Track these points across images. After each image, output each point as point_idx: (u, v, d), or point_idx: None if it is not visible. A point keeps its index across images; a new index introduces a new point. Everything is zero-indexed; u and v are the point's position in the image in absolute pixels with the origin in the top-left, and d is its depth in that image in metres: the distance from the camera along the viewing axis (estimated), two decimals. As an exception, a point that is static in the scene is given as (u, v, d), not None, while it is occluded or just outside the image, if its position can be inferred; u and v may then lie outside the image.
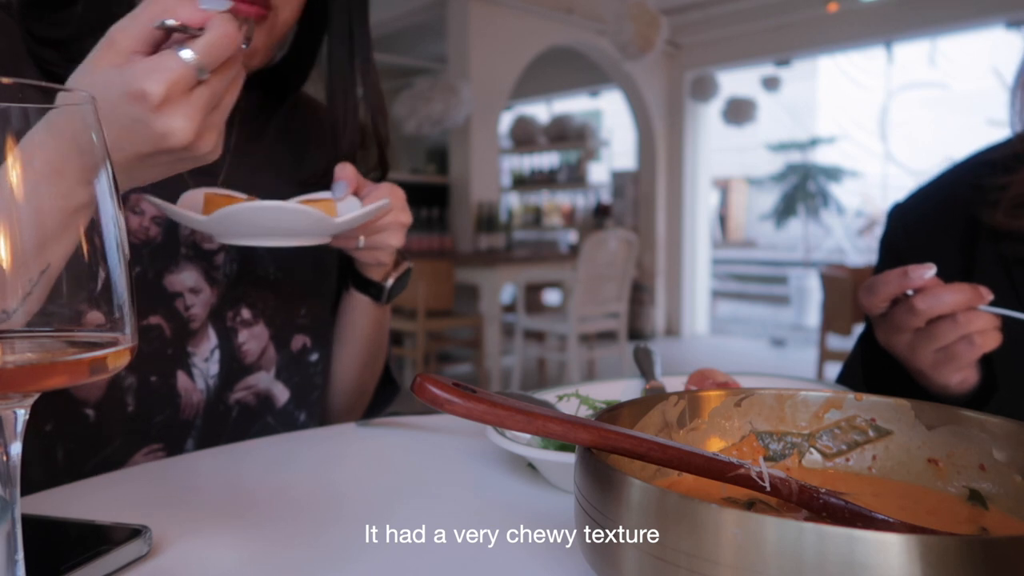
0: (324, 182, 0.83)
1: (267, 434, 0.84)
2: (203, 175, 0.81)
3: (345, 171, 0.79)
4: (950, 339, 0.70)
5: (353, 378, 0.96)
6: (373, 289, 0.89)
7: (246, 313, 0.85)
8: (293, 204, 0.70)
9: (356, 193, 0.80)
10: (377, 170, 0.92)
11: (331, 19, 0.84)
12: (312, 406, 0.91)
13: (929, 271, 0.69)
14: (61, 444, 0.73)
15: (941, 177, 0.94)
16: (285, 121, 0.92)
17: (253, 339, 0.84)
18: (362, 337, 0.93)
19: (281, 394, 0.87)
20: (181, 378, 0.79)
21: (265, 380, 0.86)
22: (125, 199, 0.75)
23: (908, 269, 0.69)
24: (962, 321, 0.69)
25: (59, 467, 0.72)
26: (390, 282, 0.89)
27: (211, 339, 0.81)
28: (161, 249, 0.79)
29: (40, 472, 0.70)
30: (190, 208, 0.71)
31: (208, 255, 0.82)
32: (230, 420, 0.83)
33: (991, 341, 0.70)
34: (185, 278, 0.80)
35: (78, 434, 0.74)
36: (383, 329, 0.96)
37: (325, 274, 0.94)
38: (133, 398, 0.76)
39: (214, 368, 0.81)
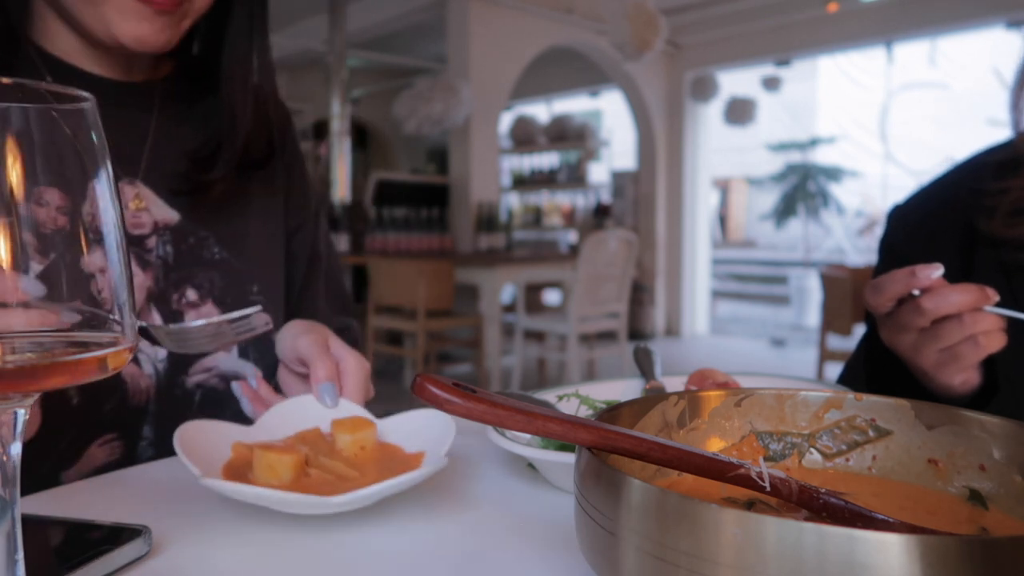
0: (212, 163, 0.84)
1: (242, 417, 0.83)
2: (126, 163, 0.81)
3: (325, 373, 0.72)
4: (955, 339, 0.70)
5: None
6: None
7: (192, 295, 0.84)
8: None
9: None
10: (264, 154, 0.91)
11: (232, 3, 0.85)
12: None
13: (936, 271, 0.69)
14: None
15: (941, 179, 0.94)
16: (206, 108, 0.91)
17: (203, 319, 0.82)
18: None
19: (251, 374, 0.86)
20: (127, 365, 0.78)
21: (228, 362, 0.85)
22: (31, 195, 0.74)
23: (916, 269, 0.69)
24: (968, 322, 0.69)
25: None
26: None
27: (156, 323, 0.80)
28: (72, 236, 0.77)
29: None
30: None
31: (138, 239, 0.81)
32: (193, 404, 0.82)
33: (996, 342, 0.70)
34: (60, 280, 0.78)
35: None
36: None
37: (275, 248, 0.93)
38: (75, 390, 0.74)
39: (162, 352, 0.80)
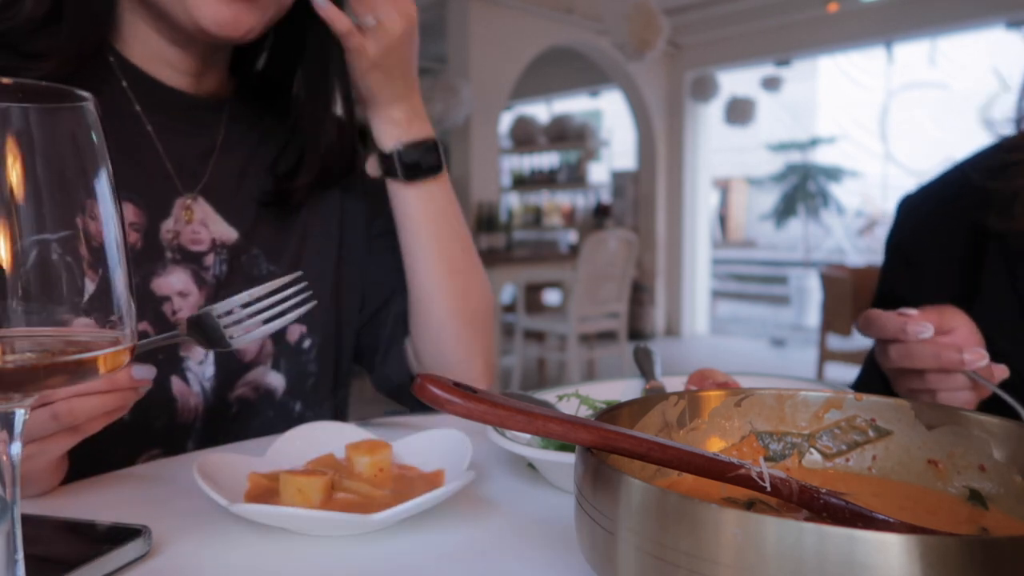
0: (293, 177, 0.84)
1: (267, 429, 0.83)
2: (187, 177, 0.81)
3: None
4: (916, 387, 0.71)
5: (444, 296, 0.87)
6: (386, 163, 0.83)
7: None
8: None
9: None
10: (345, 162, 0.91)
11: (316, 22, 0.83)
12: (307, 395, 0.89)
13: (925, 332, 0.68)
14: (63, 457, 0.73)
15: (947, 174, 0.94)
16: (272, 127, 0.92)
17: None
18: (422, 237, 0.86)
19: (279, 385, 0.86)
20: (175, 383, 0.78)
21: (262, 372, 0.85)
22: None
23: (907, 325, 0.68)
24: (929, 380, 0.69)
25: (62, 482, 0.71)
26: (398, 145, 0.82)
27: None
28: (143, 254, 0.77)
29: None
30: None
31: (197, 256, 0.81)
32: (230, 417, 0.83)
33: (957, 400, 0.69)
34: (173, 281, 0.79)
35: (78, 447, 0.73)
36: (448, 221, 0.87)
37: (326, 270, 0.92)
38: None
39: (209, 370, 0.80)
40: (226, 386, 0.82)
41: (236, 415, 0.83)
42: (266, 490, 0.56)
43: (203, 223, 0.82)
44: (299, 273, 0.66)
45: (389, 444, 0.62)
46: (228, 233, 0.84)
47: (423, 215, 0.86)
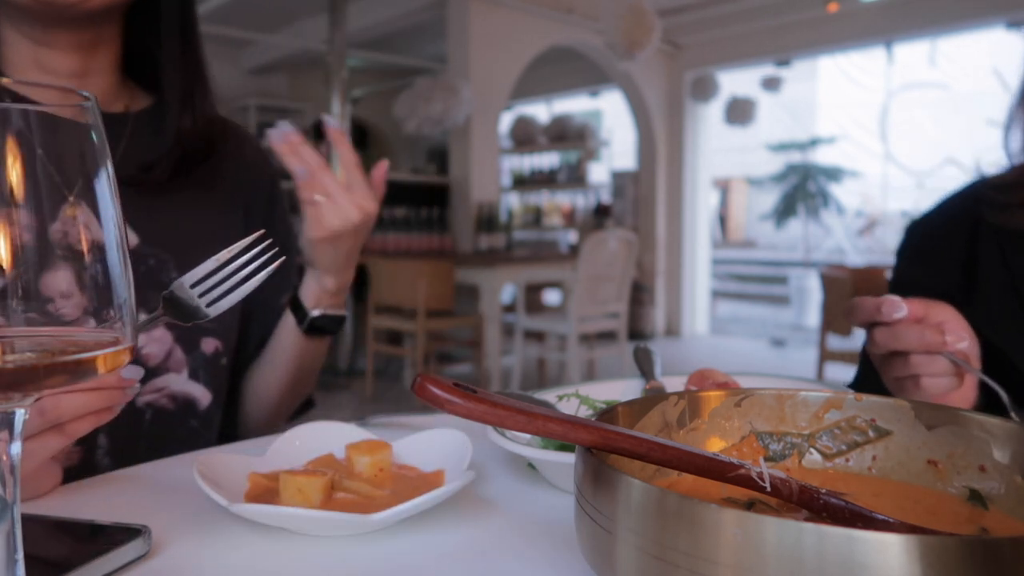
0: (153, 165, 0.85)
1: (192, 438, 0.85)
2: (81, 188, 0.81)
3: None
4: (900, 374, 0.72)
5: (272, 399, 0.96)
6: (299, 312, 0.89)
7: (140, 317, 0.84)
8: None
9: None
10: (201, 144, 0.90)
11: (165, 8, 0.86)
12: (228, 407, 0.92)
13: (900, 311, 0.69)
14: None
15: (950, 199, 0.96)
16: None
17: (153, 342, 0.83)
18: (284, 361, 0.93)
19: (203, 396, 0.87)
20: (185, 388, 0.80)
21: (178, 382, 0.85)
22: None
23: (882, 303, 0.70)
24: (913, 363, 0.70)
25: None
26: (316, 312, 0.88)
27: None
28: (32, 252, 0.78)
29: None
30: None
31: (81, 255, 0.81)
32: (144, 422, 0.82)
33: (940, 386, 0.70)
34: (59, 280, 0.79)
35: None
36: (310, 363, 0.95)
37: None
38: (142, 437, 0.76)
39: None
40: None
41: (152, 421, 0.83)
42: (266, 490, 0.56)
43: (87, 226, 0.82)
44: (262, 232, 0.66)
45: (389, 444, 0.62)
46: (130, 238, 0.83)
47: (299, 351, 0.92)
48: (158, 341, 0.84)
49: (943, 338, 0.68)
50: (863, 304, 0.72)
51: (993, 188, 0.86)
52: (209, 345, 0.88)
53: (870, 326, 0.73)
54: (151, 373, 0.84)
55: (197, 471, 0.54)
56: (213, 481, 0.54)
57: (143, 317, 0.62)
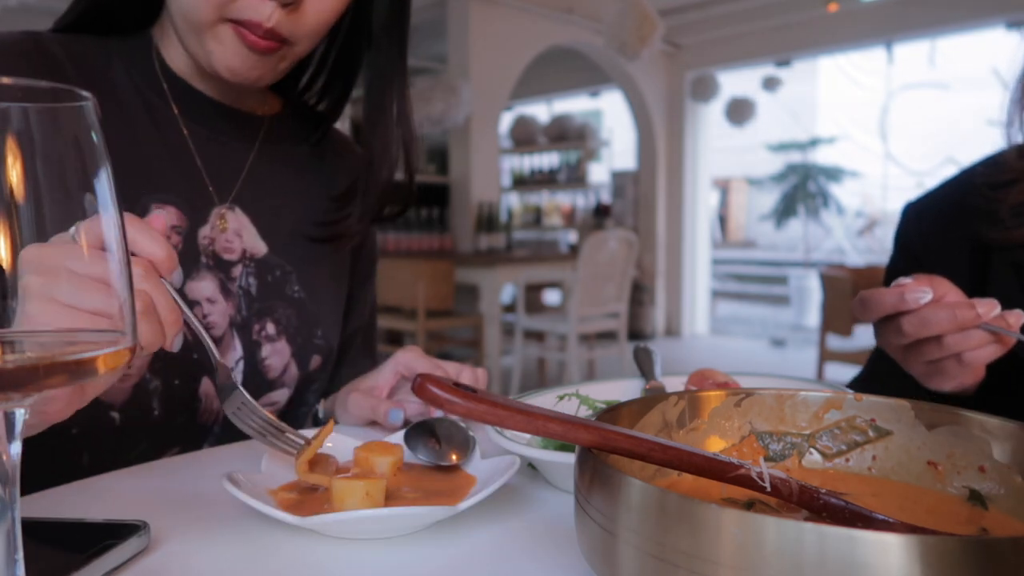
0: (341, 205, 0.87)
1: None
2: (218, 186, 0.83)
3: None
4: (937, 356, 0.69)
5: None
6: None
7: (271, 328, 0.85)
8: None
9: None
10: (401, 204, 0.92)
11: (374, 54, 0.85)
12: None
13: (924, 296, 0.67)
14: (87, 448, 0.73)
15: (953, 180, 0.94)
16: (312, 150, 0.94)
17: (275, 355, 0.85)
18: None
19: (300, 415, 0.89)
20: (205, 383, 0.80)
21: (286, 397, 0.87)
22: (141, 209, 0.76)
23: (904, 291, 0.68)
24: (949, 343, 0.67)
25: (84, 471, 0.70)
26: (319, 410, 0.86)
27: (236, 350, 0.82)
28: (181, 257, 0.78)
29: (65, 477, 0.66)
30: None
31: (227, 265, 0.83)
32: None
33: (984, 357, 0.68)
34: (204, 287, 0.81)
35: (104, 438, 0.74)
36: None
37: (339, 299, 0.94)
38: (158, 401, 0.76)
39: (238, 378, 0.81)
40: (250, 322, 0.84)
41: None
42: (296, 503, 0.54)
43: (237, 233, 0.84)
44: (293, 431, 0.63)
45: (400, 444, 0.62)
46: (258, 246, 0.85)
47: None
48: (278, 354, 0.85)
49: (975, 311, 0.65)
50: (878, 297, 0.70)
51: (987, 186, 0.85)
52: (315, 362, 0.89)
53: (887, 318, 0.70)
54: (267, 386, 0.85)
55: (231, 487, 0.51)
56: (254, 495, 0.52)
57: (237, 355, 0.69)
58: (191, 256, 0.80)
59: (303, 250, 0.88)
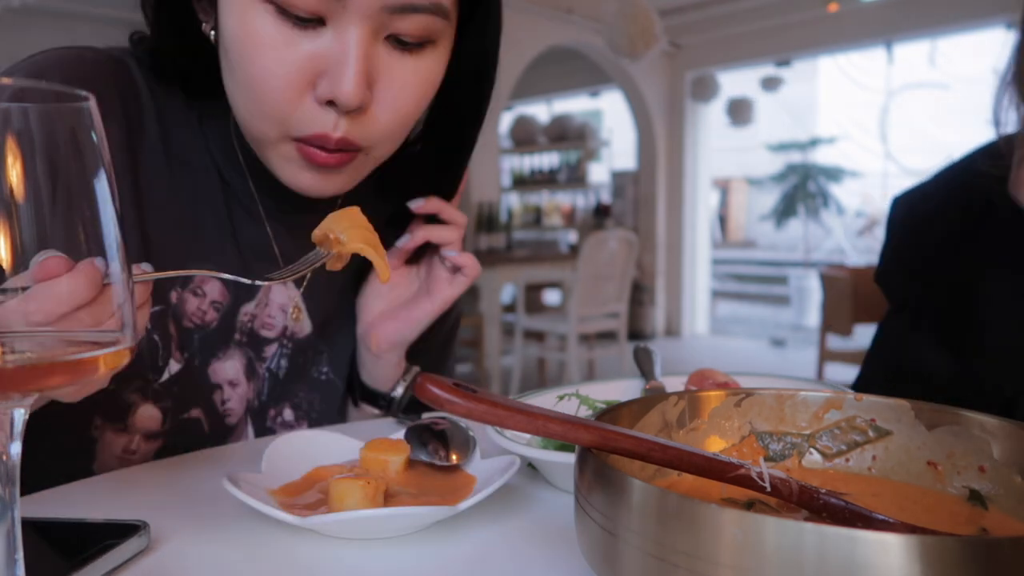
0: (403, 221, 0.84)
1: None
2: (284, 264, 0.77)
3: None
4: None
5: None
6: (382, 401, 0.83)
7: (288, 414, 0.81)
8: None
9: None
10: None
11: (461, 139, 0.85)
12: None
13: None
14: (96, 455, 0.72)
15: (947, 171, 0.94)
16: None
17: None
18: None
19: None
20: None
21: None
22: (189, 281, 0.72)
23: None
24: None
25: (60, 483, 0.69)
26: (399, 390, 0.82)
27: (248, 438, 0.78)
28: (213, 335, 0.74)
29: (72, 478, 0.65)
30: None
31: (261, 344, 0.78)
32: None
33: None
34: (228, 368, 0.76)
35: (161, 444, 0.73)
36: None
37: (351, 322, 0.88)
38: (200, 410, 0.74)
39: (256, 402, 0.79)
40: (267, 407, 0.81)
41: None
42: (296, 503, 0.55)
43: (282, 309, 0.79)
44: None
45: (407, 443, 0.62)
46: (303, 327, 0.81)
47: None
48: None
49: None
50: None
51: (989, 157, 0.84)
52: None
53: None
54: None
55: (233, 489, 0.51)
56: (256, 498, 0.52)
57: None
58: (224, 334, 0.75)
59: (340, 326, 0.83)
